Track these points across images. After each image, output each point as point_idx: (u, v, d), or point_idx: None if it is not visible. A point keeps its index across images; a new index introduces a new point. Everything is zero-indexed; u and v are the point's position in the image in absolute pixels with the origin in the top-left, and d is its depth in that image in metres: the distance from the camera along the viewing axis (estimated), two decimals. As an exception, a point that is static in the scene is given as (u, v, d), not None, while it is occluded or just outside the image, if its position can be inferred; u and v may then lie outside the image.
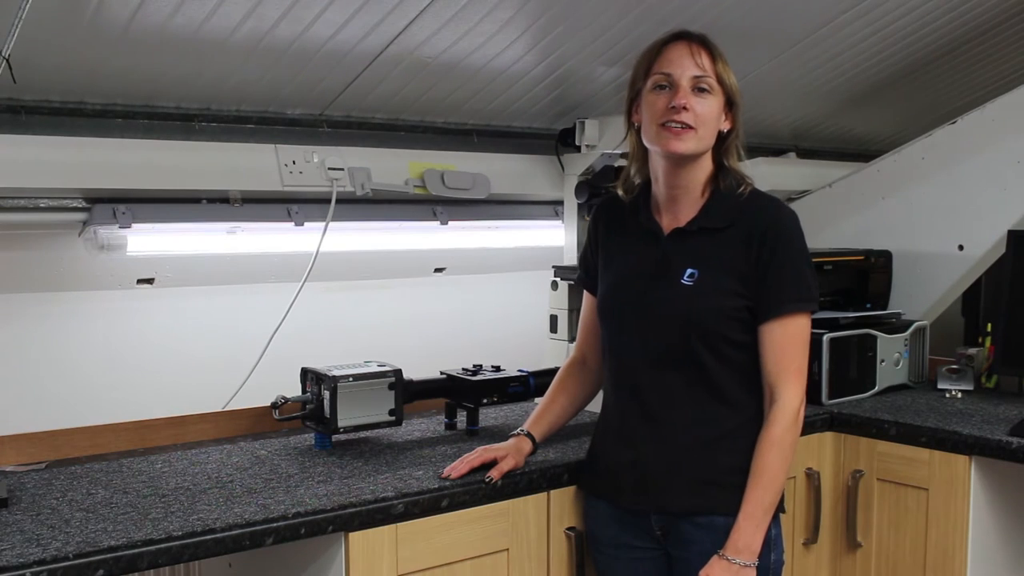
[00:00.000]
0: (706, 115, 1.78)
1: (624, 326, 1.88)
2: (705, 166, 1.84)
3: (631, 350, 1.87)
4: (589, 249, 2.02)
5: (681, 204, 1.85)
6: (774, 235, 1.79)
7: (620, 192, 1.94)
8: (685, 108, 1.76)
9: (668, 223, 1.86)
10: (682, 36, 1.81)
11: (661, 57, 1.80)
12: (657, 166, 1.86)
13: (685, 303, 1.80)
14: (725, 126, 1.83)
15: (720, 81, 1.79)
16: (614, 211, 1.97)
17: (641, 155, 1.89)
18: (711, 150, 1.84)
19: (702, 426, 1.81)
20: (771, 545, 1.80)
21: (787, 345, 1.79)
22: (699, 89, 1.78)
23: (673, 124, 1.76)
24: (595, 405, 2.13)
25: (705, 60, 1.78)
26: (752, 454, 1.78)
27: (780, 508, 1.84)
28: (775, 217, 1.82)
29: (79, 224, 2.19)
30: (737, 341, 1.80)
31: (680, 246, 1.84)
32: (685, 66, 1.77)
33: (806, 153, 3.58)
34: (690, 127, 1.76)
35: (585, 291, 2.05)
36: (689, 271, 1.81)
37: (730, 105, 1.82)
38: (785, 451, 1.77)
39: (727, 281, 1.79)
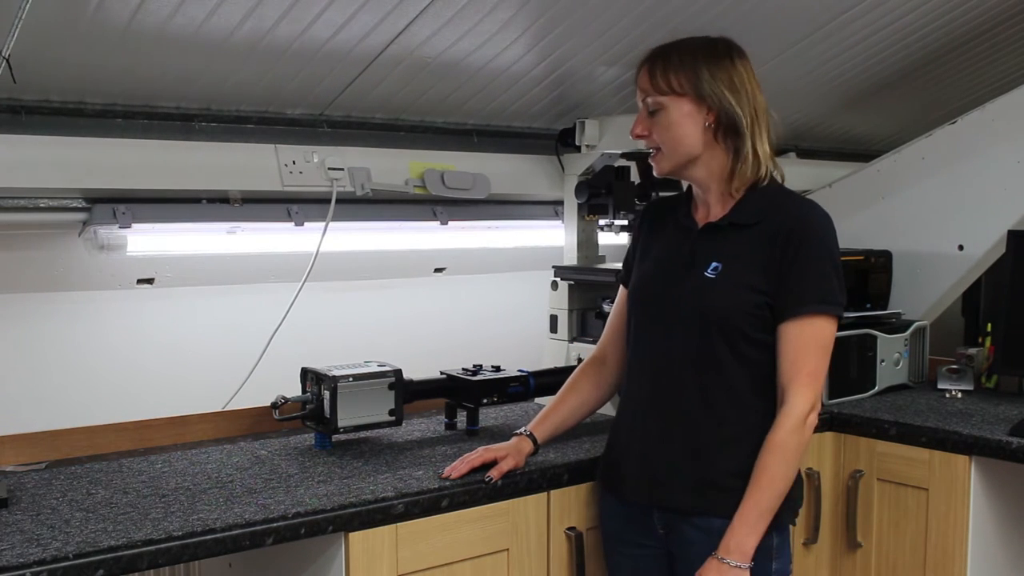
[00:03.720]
0: (662, 132, 1.82)
1: (647, 318, 1.89)
2: (707, 167, 1.83)
3: (652, 343, 1.88)
4: (631, 249, 2.04)
5: (711, 202, 1.87)
6: (801, 234, 1.77)
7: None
8: (641, 135, 1.84)
9: (702, 219, 1.88)
10: (644, 59, 1.86)
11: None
12: None
13: (704, 295, 1.80)
14: (709, 119, 1.79)
15: (661, 90, 1.79)
16: (659, 211, 2.00)
17: None
18: (721, 145, 1.81)
19: (710, 427, 1.80)
20: (772, 553, 1.79)
21: (803, 347, 1.75)
22: (651, 112, 1.83)
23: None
24: (607, 408, 2.13)
25: (644, 81, 1.83)
26: (755, 459, 1.77)
27: (791, 519, 1.83)
28: (804, 216, 1.81)
29: (79, 224, 2.19)
30: (754, 339, 1.78)
31: (709, 241, 1.84)
32: (640, 92, 1.85)
33: (806, 153, 3.58)
34: (657, 149, 1.84)
35: (621, 287, 2.05)
36: (713, 264, 1.81)
37: (700, 98, 1.78)
38: (787, 455, 1.74)
39: (749, 276, 1.78)
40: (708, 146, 1.81)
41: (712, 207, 1.86)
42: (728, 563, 1.72)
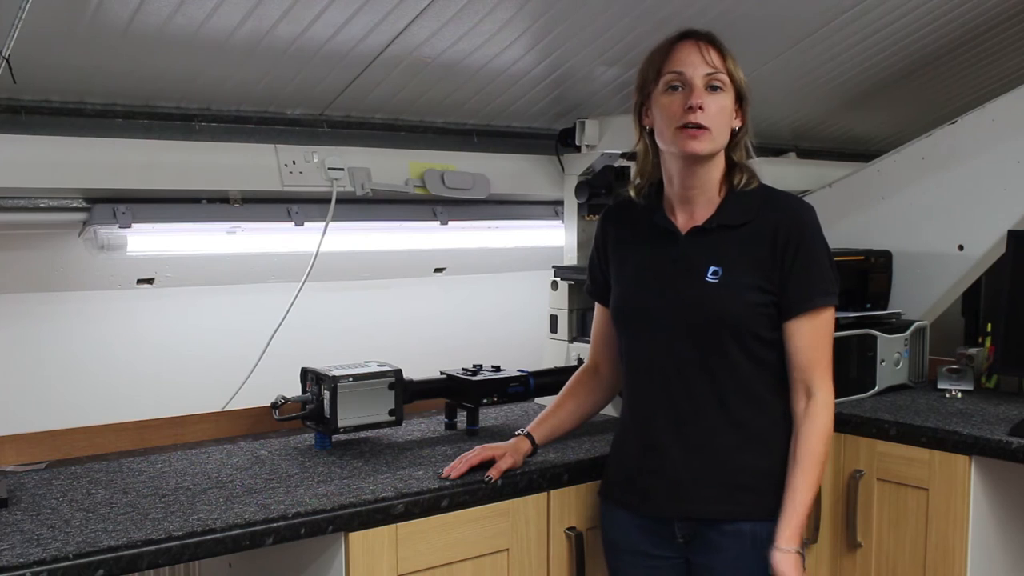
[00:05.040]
0: (719, 114, 1.77)
1: (647, 329, 1.86)
2: (719, 164, 1.83)
3: (656, 353, 1.85)
4: (596, 258, 2.00)
5: (697, 203, 1.84)
6: (798, 232, 1.79)
7: (632, 194, 1.93)
8: (701, 108, 1.75)
9: (684, 222, 1.85)
10: (689, 35, 1.81)
11: (671, 57, 1.79)
12: (672, 167, 1.84)
13: (714, 301, 1.79)
14: (736, 123, 1.82)
15: (731, 78, 1.79)
16: (622, 215, 1.96)
17: (652, 157, 1.88)
18: (724, 148, 1.83)
19: (730, 429, 1.80)
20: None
21: (818, 339, 1.80)
22: (711, 87, 1.77)
23: (690, 126, 1.75)
24: (606, 408, 2.13)
25: (715, 57, 1.78)
26: (778, 457, 1.79)
27: None
28: (796, 213, 1.82)
29: (79, 224, 2.19)
30: (766, 338, 1.80)
31: (699, 245, 1.82)
32: (697, 65, 1.77)
33: (806, 153, 3.58)
34: (706, 128, 1.75)
35: (595, 300, 2.03)
36: (713, 269, 1.80)
37: (740, 101, 1.82)
38: (829, 441, 1.81)
39: (752, 277, 1.79)
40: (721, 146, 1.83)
41: (697, 210, 1.84)
42: (794, 551, 1.74)
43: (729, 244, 1.81)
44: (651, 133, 1.85)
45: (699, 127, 1.75)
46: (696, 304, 1.80)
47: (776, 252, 1.78)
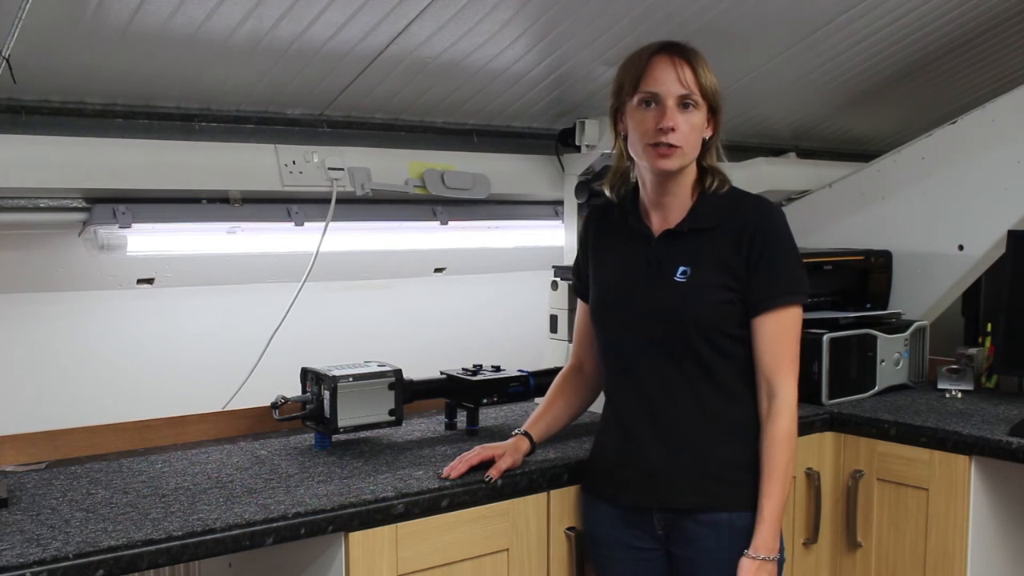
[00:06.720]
0: (690, 132, 1.80)
1: (620, 327, 1.90)
2: (690, 173, 1.87)
3: (630, 350, 1.89)
4: (581, 256, 2.05)
5: (670, 208, 1.88)
6: (764, 232, 1.83)
7: (607, 192, 1.96)
8: (672, 129, 1.78)
9: (658, 225, 1.89)
10: (665, 49, 1.82)
11: (647, 74, 1.81)
12: (644, 176, 1.89)
13: (680, 299, 1.83)
14: (707, 133, 1.85)
15: (704, 94, 1.81)
16: (605, 217, 2.01)
17: (628, 160, 1.91)
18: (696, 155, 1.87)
19: (704, 421, 1.84)
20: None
21: (781, 337, 1.83)
22: (684, 105, 1.80)
23: (661, 144, 1.78)
24: (596, 406, 2.13)
25: (689, 76, 1.80)
26: (753, 447, 1.82)
27: None
28: (764, 215, 1.86)
29: (79, 224, 2.19)
30: (734, 334, 1.83)
31: (671, 246, 1.87)
32: (670, 84, 1.79)
33: (806, 153, 3.58)
34: (677, 147, 1.79)
35: (579, 298, 2.06)
36: (682, 269, 1.84)
37: (712, 111, 1.84)
38: (792, 444, 1.83)
39: (719, 276, 1.83)
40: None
41: (670, 213, 1.88)
42: (765, 559, 1.77)
43: (698, 246, 1.85)
44: (626, 138, 1.88)
45: (670, 146, 1.78)
46: (665, 303, 1.84)
47: (742, 251, 1.82)
